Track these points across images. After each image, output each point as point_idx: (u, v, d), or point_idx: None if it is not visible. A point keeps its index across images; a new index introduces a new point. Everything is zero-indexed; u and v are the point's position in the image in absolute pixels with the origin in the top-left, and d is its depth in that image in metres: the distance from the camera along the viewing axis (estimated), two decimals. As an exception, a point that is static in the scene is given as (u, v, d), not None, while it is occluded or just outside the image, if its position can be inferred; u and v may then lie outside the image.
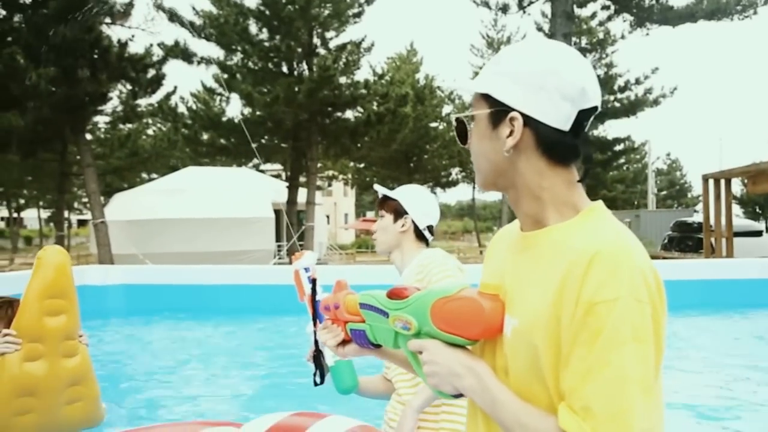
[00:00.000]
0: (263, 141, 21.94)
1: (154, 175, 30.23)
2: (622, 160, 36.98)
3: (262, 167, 31.30)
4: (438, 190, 33.31)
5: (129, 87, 17.94)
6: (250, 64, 19.18)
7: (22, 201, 40.05)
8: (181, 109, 22.85)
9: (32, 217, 48.90)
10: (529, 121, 0.97)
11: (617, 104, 28.20)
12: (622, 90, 28.58)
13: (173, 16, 18.23)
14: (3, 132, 17.21)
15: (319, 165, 23.49)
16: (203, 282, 8.57)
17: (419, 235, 2.11)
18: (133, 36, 16.76)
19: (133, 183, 28.82)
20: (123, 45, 16.47)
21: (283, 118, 19.14)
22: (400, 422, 1.86)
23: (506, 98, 0.98)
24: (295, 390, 4.99)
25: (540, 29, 25.91)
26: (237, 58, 19.80)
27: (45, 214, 44.57)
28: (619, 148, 32.98)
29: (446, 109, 31.75)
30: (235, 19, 18.62)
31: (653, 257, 0.98)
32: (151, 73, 17.47)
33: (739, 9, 17.10)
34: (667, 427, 0.90)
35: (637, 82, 28.18)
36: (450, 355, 0.98)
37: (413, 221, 2.09)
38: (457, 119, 1.08)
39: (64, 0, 14.70)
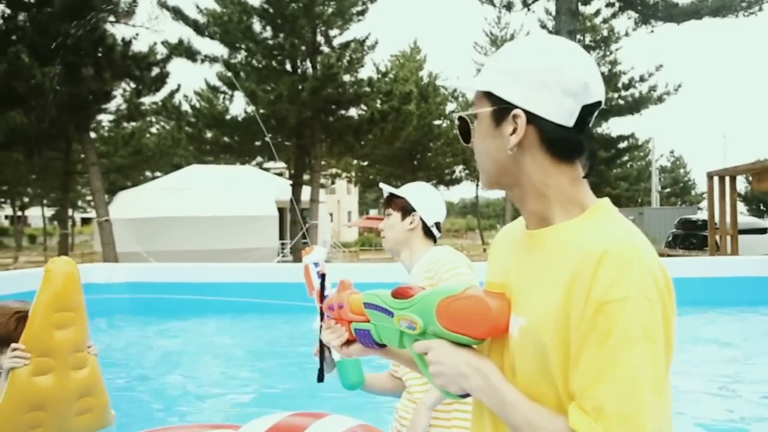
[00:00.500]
0: (266, 139, 21.94)
1: (158, 174, 30.27)
2: (625, 158, 36.87)
3: (266, 165, 31.34)
4: (441, 187, 33.27)
5: (133, 85, 17.97)
6: (254, 62, 19.18)
7: (26, 199, 40.14)
8: (185, 107, 22.91)
9: (36, 216, 49.05)
10: (532, 118, 0.96)
11: (621, 102, 28.10)
12: (626, 87, 28.48)
13: (177, 15, 18.24)
14: (8, 130, 17.28)
15: (322, 163, 23.48)
16: (209, 280, 8.58)
17: (427, 232, 2.11)
18: (137, 34, 16.76)
19: (136, 181, 28.86)
20: (127, 43, 16.48)
21: (286, 116, 19.13)
22: (413, 420, 1.86)
23: (508, 95, 0.97)
24: (299, 389, 4.99)
25: (544, 26, 25.84)
26: (241, 56, 19.80)
27: (49, 212, 44.70)
28: (622, 145, 32.88)
29: (450, 106, 31.69)
30: (239, 17, 18.62)
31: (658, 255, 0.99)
32: (155, 71, 17.48)
33: (745, 5, 17.01)
34: (673, 426, 0.90)
35: (641, 79, 28.08)
36: (456, 355, 0.97)
37: (421, 218, 2.09)
38: (459, 117, 1.07)
39: (68, -2, 14.72)
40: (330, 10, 19.47)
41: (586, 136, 0.98)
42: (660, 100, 27.48)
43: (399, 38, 71.41)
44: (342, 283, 1.27)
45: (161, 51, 17.51)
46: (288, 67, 20.05)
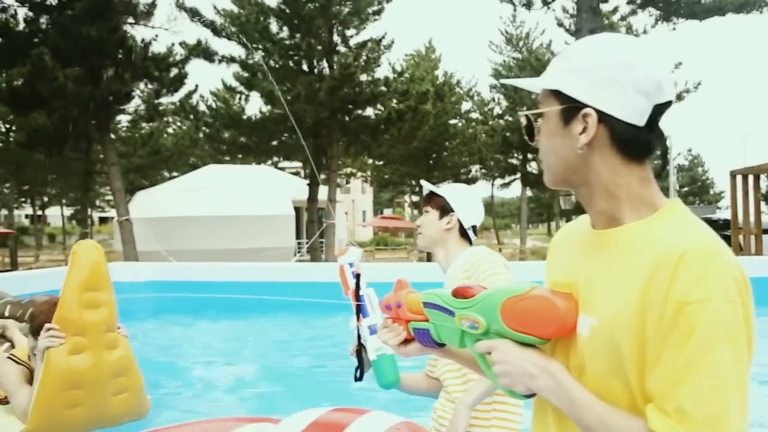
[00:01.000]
0: (283, 138, 22.04)
1: (175, 174, 30.51)
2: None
3: (281, 165, 31.46)
4: (457, 187, 33.13)
5: (151, 86, 18.14)
6: (271, 62, 19.25)
7: (45, 199, 40.66)
8: (202, 107, 23.05)
9: (54, 215, 49.66)
10: (602, 117, 0.95)
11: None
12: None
13: (195, 16, 18.36)
14: (30, 131, 17.53)
15: (338, 162, 23.54)
16: (234, 279, 8.62)
17: (463, 233, 2.11)
18: (156, 36, 16.95)
19: (154, 181, 29.12)
20: (146, 45, 16.64)
21: (303, 116, 19.20)
22: (452, 420, 1.86)
23: (578, 94, 0.97)
24: (326, 385, 5.00)
25: (561, 24, 25.65)
26: (258, 56, 19.91)
27: (67, 211, 45.23)
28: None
29: (465, 106, 31.61)
30: (256, 17, 18.70)
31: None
32: (174, 72, 17.63)
33: (769, 1, 16.77)
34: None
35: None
36: (522, 355, 0.96)
37: (458, 220, 2.09)
38: (525, 116, 1.06)
39: (90, 1, 14.89)
40: (346, 9, 19.49)
41: (656, 135, 0.97)
42: (679, 98, 27.18)
43: (413, 38, 71.29)
44: (399, 282, 1.27)
45: (179, 52, 17.67)
46: (305, 67, 20.10)
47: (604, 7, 25.04)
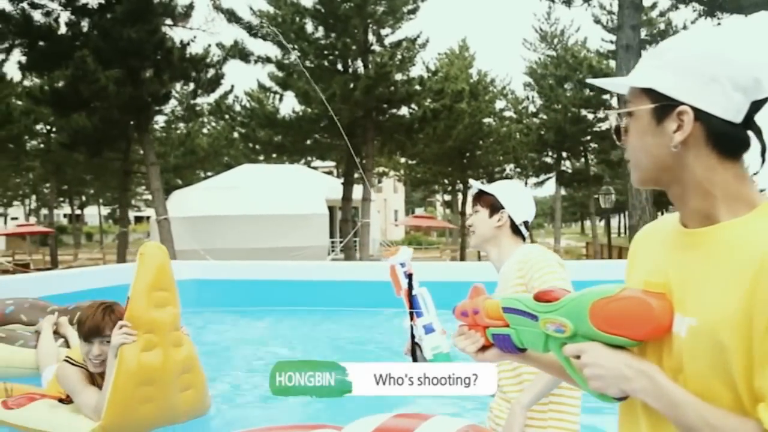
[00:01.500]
0: (317, 138, 22.14)
1: (209, 173, 30.94)
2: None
3: (314, 164, 31.62)
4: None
5: (188, 87, 18.39)
6: (307, 62, 19.35)
7: (83, 198, 41.65)
8: (237, 107, 23.29)
9: (91, 214, 50.86)
10: (699, 114, 0.94)
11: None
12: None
13: (232, 17, 18.56)
14: (72, 132, 17.94)
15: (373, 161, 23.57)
16: (277, 277, 8.64)
17: (515, 230, 2.11)
18: (194, 37, 17.15)
19: (189, 181, 29.56)
20: (184, 46, 16.87)
21: (339, 116, 19.25)
22: (508, 420, 1.87)
23: (674, 92, 0.95)
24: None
25: (598, 21, 25.22)
26: (293, 56, 20.05)
27: (105, 211, 46.27)
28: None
29: (499, 104, 31.33)
30: (292, 17, 18.81)
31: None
32: (211, 72, 17.86)
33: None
34: None
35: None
36: (615, 357, 0.95)
37: (509, 216, 2.09)
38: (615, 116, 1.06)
39: (130, 4, 15.16)
40: (381, 9, 19.48)
41: (755, 131, 0.96)
42: None
43: (447, 36, 71.06)
44: (475, 288, 1.25)
45: (216, 53, 17.89)
46: (340, 66, 20.16)
47: (644, 2, 24.56)
